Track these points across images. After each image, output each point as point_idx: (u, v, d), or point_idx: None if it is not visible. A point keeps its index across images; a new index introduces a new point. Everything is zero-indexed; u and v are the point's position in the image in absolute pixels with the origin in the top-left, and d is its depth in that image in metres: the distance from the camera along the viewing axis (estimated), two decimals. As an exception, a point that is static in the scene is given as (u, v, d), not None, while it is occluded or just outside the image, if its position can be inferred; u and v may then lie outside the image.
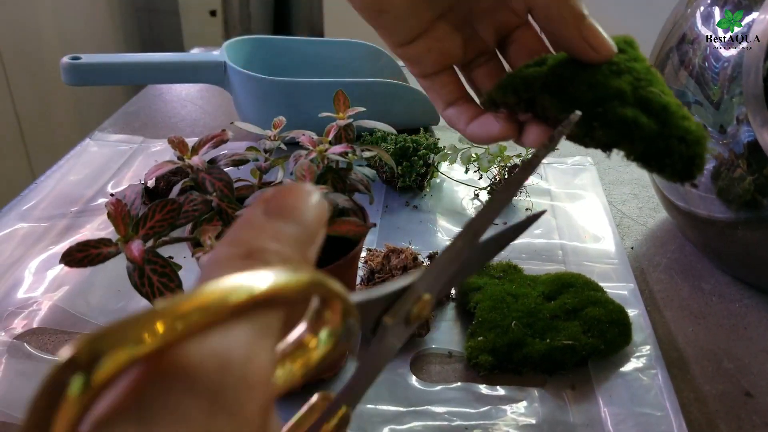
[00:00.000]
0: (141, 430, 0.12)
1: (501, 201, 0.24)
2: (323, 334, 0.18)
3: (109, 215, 0.29)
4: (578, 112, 0.27)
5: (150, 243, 0.29)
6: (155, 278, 0.28)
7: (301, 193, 0.18)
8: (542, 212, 0.29)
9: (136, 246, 0.28)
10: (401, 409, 0.40)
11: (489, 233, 0.25)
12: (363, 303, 0.19)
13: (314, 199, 0.18)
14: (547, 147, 0.25)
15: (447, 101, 0.37)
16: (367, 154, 0.39)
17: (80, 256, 0.27)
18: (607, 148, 0.29)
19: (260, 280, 0.14)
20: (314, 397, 0.21)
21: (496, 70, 0.37)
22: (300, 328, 0.18)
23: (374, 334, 0.21)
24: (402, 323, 0.21)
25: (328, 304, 0.18)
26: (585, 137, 0.29)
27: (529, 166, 0.24)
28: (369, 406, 0.40)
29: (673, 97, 0.31)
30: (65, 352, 0.11)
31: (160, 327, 0.12)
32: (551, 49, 0.34)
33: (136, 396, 0.12)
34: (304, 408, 0.21)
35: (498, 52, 0.38)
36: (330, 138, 0.37)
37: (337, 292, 0.16)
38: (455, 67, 0.38)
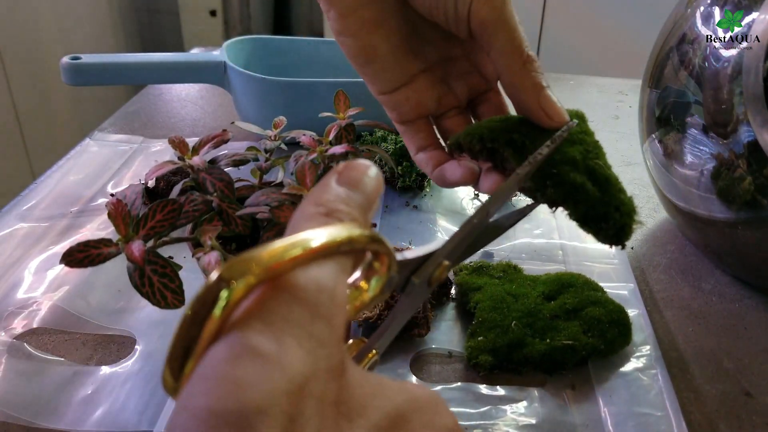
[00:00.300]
0: (264, 328, 0.16)
1: (510, 188, 0.30)
2: (373, 281, 0.22)
3: (109, 215, 0.29)
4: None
5: (150, 243, 0.29)
6: (156, 278, 0.28)
7: (363, 167, 0.23)
8: (536, 205, 0.34)
9: (137, 246, 0.28)
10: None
11: (500, 213, 0.30)
12: (401, 262, 0.24)
13: (372, 172, 0.23)
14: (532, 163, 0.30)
15: (418, 146, 0.41)
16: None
17: (81, 256, 0.27)
18: (553, 205, 0.33)
19: (340, 231, 0.19)
20: (350, 341, 0.25)
21: (464, 123, 0.42)
22: (356, 275, 0.23)
23: (403, 290, 0.25)
24: (425, 283, 0.25)
25: (379, 258, 0.22)
26: (536, 192, 0.33)
27: (534, 161, 0.31)
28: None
29: (612, 171, 0.35)
30: (214, 273, 0.16)
31: (275, 259, 0.16)
32: (516, 112, 0.38)
33: (260, 306, 0.16)
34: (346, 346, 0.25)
35: (468, 109, 0.42)
36: (330, 138, 0.37)
37: (388, 249, 0.21)
38: (429, 117, 0.42)
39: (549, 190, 0.32)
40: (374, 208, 0.23)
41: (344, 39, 0.38)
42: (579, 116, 0.37)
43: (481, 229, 0.28)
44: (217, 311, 0.15)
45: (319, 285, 0.17)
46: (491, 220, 0.29)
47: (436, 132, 0.42)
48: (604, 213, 0.33)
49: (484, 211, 0.28)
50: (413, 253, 0.25)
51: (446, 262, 0.26)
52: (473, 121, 0.42)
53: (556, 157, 0.33)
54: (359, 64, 0.39)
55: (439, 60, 0.40)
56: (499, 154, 0.35)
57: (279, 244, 0.17)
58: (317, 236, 0.18)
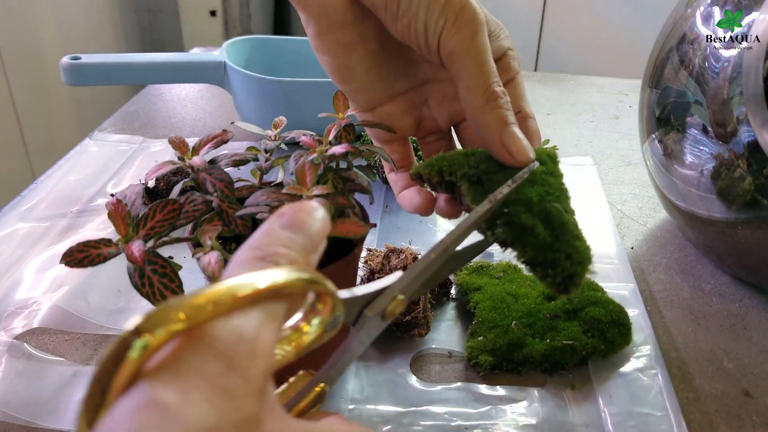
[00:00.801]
0: (172, 380, 0.16)
1: (469, 226, 0.29)
2: (314, 322, 0.22)
3: (109, 215, 0.29)
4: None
5: (150, 243, 0.29)
6: (156, 278, 0.28)
7: (309, 209, 0.23)
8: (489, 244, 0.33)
9: (137, 246, 0.28)
10: (401, 409, 0.40)
11: (464, 244, 0.30)
12: (349, 299, 0.24)
13: (319, 215, 0.23)
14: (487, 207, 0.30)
15: (391, 167, 0.41)
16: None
17: (80, 256, 0.27)
18: (503, 245, 0.32)
19: (271, 277, 0.18)
20: (299, 373, 0.26)
21: (445, 148, 0.42)
22: (297, 317, 0.22)
23: (354, 324, 0.25)
24: (379, 317, 0.25)
25: (321, 299, 0.22)
26: (487, 230, 0.32)
27: (494, 200, 0.31)
28: (369, 406, 0.40)
29: (573, 216, 0.34)
30: (131, 323, 0.16)
31: (197, 309, 0.17)
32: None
33: (173, 357, 0.16)
34: (289, 382, 0.25)
35: (453, 131, 0.42)
36: (330, 138, 0.37)
37: (329, 290, 0.21)
38: (409, 139, 0.42)
39: (498, 229, 0.31)
40: (319, 249, 0.23)
41: (321, 56, 0.38)
42: (550, 156, 0.36)
43: (440, 264, 0.28)
44: (130, 361, 0.15)
45: (239, 336, 0.17)
46: (450, 254, 0.29)
47: (412, 154, 0.42)
48: (553, 259, 0.31)
49: (442, 246, 0.28)
50: (366, 288, 0.25)
51: (401, 297, 0.25)
52: (458, 146, 0.42)
53: (511, 197, 0.32)
54: (336, 82, 0.39)
55: (419, 83, 0.40)
56: (457, 188, 0.34)
57: (204, 292, 0.17)
58: (245, 283, 0.18)
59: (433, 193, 0.38)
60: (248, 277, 0.18)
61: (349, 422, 0.23)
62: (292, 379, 0.25)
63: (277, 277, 0.18)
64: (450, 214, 0.38)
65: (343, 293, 0.23)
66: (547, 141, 0.66)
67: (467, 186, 0.33)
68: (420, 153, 0.44)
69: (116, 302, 0.48)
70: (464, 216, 0.33)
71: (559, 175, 0.35)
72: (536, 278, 0.32)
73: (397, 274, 0.26)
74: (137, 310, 0.47)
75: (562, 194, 0.34)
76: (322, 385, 0.25)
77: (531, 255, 0.31)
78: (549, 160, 0.36)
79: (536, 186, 0.33)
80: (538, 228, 0.31)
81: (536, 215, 0.32)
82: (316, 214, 0.23)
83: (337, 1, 0.35)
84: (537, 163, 0.34)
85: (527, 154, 0.33)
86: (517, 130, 0.34)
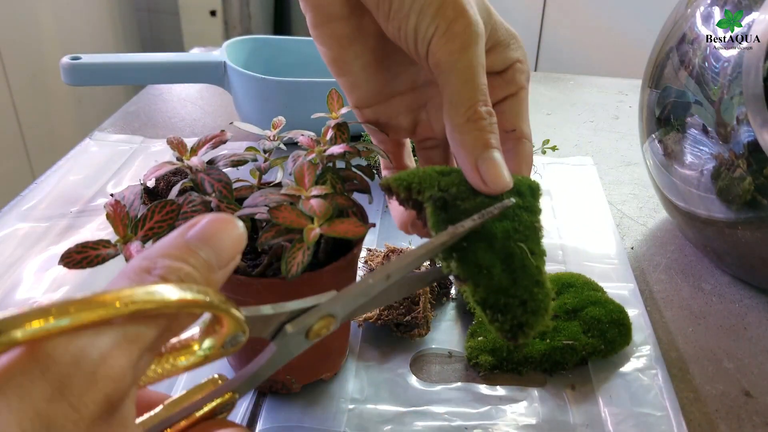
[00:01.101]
0: None
1: (420, 256, 0.27)
2: (207, 342, 0.21)
3: (108, 216, 0.29)
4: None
5: (149, 244, 0.29)
6: (154, 279, 0.28)
7: (223, 223, 0.21)
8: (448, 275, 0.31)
9: (135, 248, 0.28)
10: (401, 409, 0.40)
11: (419, 269, 0.27)
12: (262, 316, 0.22)
13: (234, 231, 0.21)
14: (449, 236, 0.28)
15: (387, 166, 0.40)
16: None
17: (79, 257, 0.27)
18: (457, 279, 0.30)
19: (141, 295, 0.17)
20: (212, 376, 0.24)
21: (441, 156, 0.40)
22: (193, 330, 0.21)
23: (273, 338, 0.23)
24: (302, 335, 0.24)
25: (218, 319, 0.21)
26: (443, 260, 0.30)
27: (454, 233, 0.28)
28: (369, 406, 0.40)
29: (541, 259, 0.31)
30: None
31: (42, 321, 0.15)
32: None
33: (2, 371, 0.15)
34: (199, 384, 0.24)
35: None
36: (328, 138, 0.37)
37: (224, 311, 0.19)
38: (404, 141, 0.41)
39: (452, 262, 0.29)
40: (229, 266, 0.21)
41: (319, 47, 0.37)
42: (532, 188, 0.33)
43: (384, 288, 0.26)
44: None
45: (78, 358, 0.16)
46: (397, 280, 0.27)
47: (407, 158, 0.41)
48: (505, 304, 0.29)
49: (383, 273, 0.26)
50: (294, 304, 0.23)
51: (330, 318, 0.24)
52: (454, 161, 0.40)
53: (476, 229, 0.29)
54: (333, 74, 0.38)
55: (420, 84, 0.38)
56: (423, 209, 0.32)
57: (59, 304, 0.16)
58: (107, 299, 0.16)
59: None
60: (114, 293, 0.17)
61: None
62: (203, 380, 0.24)
63: (145, 296, 0.17)
64: (418, 233, 0.36)
65: (251, 311, 0.22)
66: (547, 141, 0.66)
67: (431, 210, 0.30)
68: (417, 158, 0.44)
69: (116, 302, 0.48)
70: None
71: (536, 212, 0.32)
72: (486, 319, 0.29)
73: (330, 294, 0.24)
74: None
75: (532, 233, 0.31)
76: (231, 393, 0.24)
77: (482, 296, 0.29)
78: (529, 192, 0.33)
79: (505, 221, 0.30)
80: (495, 269, 0.29)
81: (497, 253, 0.29)
82: (230, 228, 0.21)
83: None
84: (512, 201, 0.31)
85: (502, 184, 0.31)
86: (496, 155, 0.31)
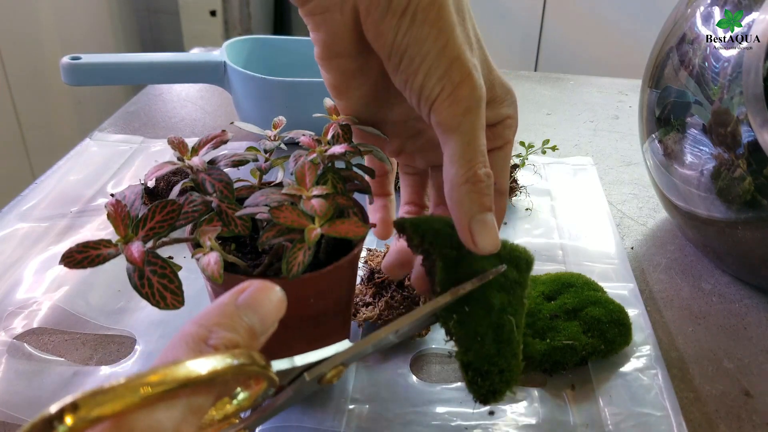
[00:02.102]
0: None
1: (423, 315, 0.31)
2: (241, 395, 0.24)
3: (108, 216, 0.29)
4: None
5: (150, 244, 0.29)
6: (155, 279, 0.28)
7: (267, 290, 0.24)
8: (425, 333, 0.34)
9: (136, 247, 0.28)
10: (401, 409, 0.40)
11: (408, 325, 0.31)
12: (286, 370, 0.25)
13: (275, 297, 0.24)
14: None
15: (403, 199, 0.43)
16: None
17: (80, 257, 0.27)
18: (449, 334, 0.32)
19: (205, 367, 0.19)
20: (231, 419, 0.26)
21: (417, 185, 0.43)
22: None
23: (291, 383, 0.26)
24: (316, 381, 0.26)
25: (255, 378, 0.23)
26: (439, 319, 0.32)
27: (455, 294, 0.31)
28: (369, 406, 0.40)
29: (521, 332, 0.34)
30: (55, 406, 0.17)
31: (123, 397, 0.17)
32: None
33: None
34: (216, 421, 0.26)
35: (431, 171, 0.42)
36: (329, 138, 0.37)
37: (265, 375, 0.22)
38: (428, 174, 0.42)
39: (450, 323, 0.32)
40: (269, 331, 0.24)
41: (323, 73, 0.38)
42: (527, 263, 0.36)
43: (385, 343, 0.30)
44: None
45: (157, 431, 0.18)
46: (400, 335, 0.30)
47: (390, 184, 0.43)
48: (486, 371, 0.32)
49: (393, 329, 0.29)
50: (312, 356, 0.26)
51: (342, 367, 0.27)
52: (430, 182, 0.42)
53: (477, 295, 0.32)
54: (331, 95, 0.39)
55: (409, 118, 0.39)
56: (431, 259, 0.34)
57: (136, 379, 0.18)
58: (176, 375, 0.18)
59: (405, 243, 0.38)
60: (181, 368, 0.19)
61: None
62: (217, 418, 0.26)
63: (209, 368, 0.19)
64: (422, 289, 0.38)
65: (283, 364, 0.24)
66: (547, 141, 0.66)
67: (441, 265, 0.33)
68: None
69: (116, 302, 0.48)
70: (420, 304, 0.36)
71: (525, 286, 0.35)
72: (462, 377, 0.32)
73: (344, 344, 0.27)
74: (137, 309, 0.47)
75: (520, 308, 0.34)
76: (243, 429, 0.26)
77: (470, 360, 0.32)
78: (525, 267, 0.35)
79: (502, 293, 0.33)
80: (487, 338, 0.32)
81: (491, 323, 0.32)
82: (272, 296, 0.24)
83: (345, 34, 0.34)
84: (504, 266, 0.33)
85: (491, 246, 0.32)
86: (489, 218, 0.32)
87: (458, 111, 0.32)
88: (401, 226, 0.35)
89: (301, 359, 0.25)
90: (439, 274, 0.33)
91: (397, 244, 0.41)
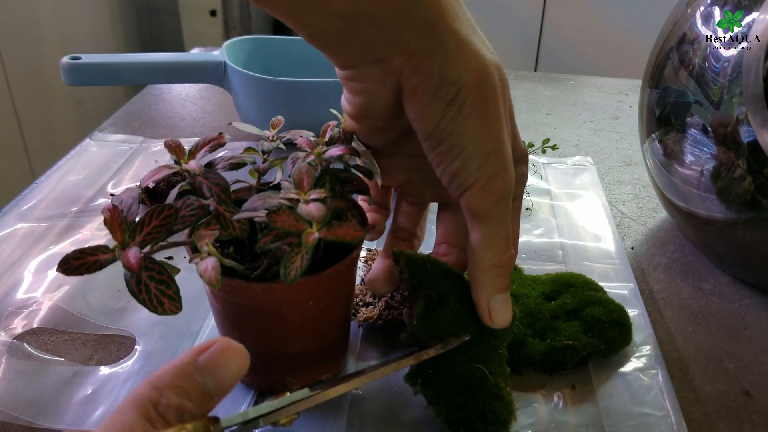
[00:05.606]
0: None
1: (382, 374, 0.33)
2: None
3: (105, 222, 0.28)
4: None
5: (147, 249, 0.29)
6: (152, 285, 0.28)
7: (228, 352, 0.24)
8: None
9: (133, 253, 0.27)
10: (401, 409, 0.40)
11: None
12: (241, 424, 0.26)
13: (238, 358, 0.24)
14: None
15: (365, 199, 0.41)
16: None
17: (77, 263, 0.27)
18: (428, 401, 0.35)
19: None
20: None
21: (414, 213, 0.43)
22: None
23: (245, 425, 0.27)
24: (270, 424, 0.27)
25: None
26: (409, 381, 0.36)
27: (418, 358, 0.34)
28: (369, 406, 0.40)
29: (501, 377, 0.36)
30: None
31: None
32: None
33: None
34: None
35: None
36: (326, 139, 0.37)
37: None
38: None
39: (418, 387, 0.35)
40: (227, 391, 0.24)
41: (347, 119, 0.38)
42: (516, 316, 0.38)
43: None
44: None
45: None
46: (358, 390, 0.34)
47: (390, 196, 0.43)
48: (464, 419, 0.34)
49: (351, 386, 0.31)
50: (268, 405, 0.27)
51: (296, 415, 0.28)
52: (438, 221, 0.42)
53: (439, 358, 0.35)
54: (353, 124, 0.38)
55: (422, 154, 0.38)
56: (416, 295, 0.36)
57: None
58: None
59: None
60: None
61: None
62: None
63: None
64: (377, 291, 0.41)
65: (236, 419, 0.25)
66: (547, 140, 0.66)
67: (422, 304, 0.35)
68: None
69: (116, 302, 0.48)
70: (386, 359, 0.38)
71: (505, 339, 0.38)
72: None
73: (302, 392, 0.29)
74: (137, 310, 0.47)
75: (495, 356, 0.36)
76: None
77: (446, 414, 0.34)
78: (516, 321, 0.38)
79: (469, 350, 0.36)
80: (454, 390, 0.34)
81: (456, 377, 0.35)
82: (234, 358, 0.24)
83: (383, 105, 0.34)
84: (468, 336, 0.36)
85: (504, 322, 0.36)
86: (507, 297, 0.36)
87: (490, 201, 0.33)
88: (397, 258, 0.37)
89: (256, 411, 0.27)
90: (417, 310, 0.35)
91: (383, 260, 0.41)
